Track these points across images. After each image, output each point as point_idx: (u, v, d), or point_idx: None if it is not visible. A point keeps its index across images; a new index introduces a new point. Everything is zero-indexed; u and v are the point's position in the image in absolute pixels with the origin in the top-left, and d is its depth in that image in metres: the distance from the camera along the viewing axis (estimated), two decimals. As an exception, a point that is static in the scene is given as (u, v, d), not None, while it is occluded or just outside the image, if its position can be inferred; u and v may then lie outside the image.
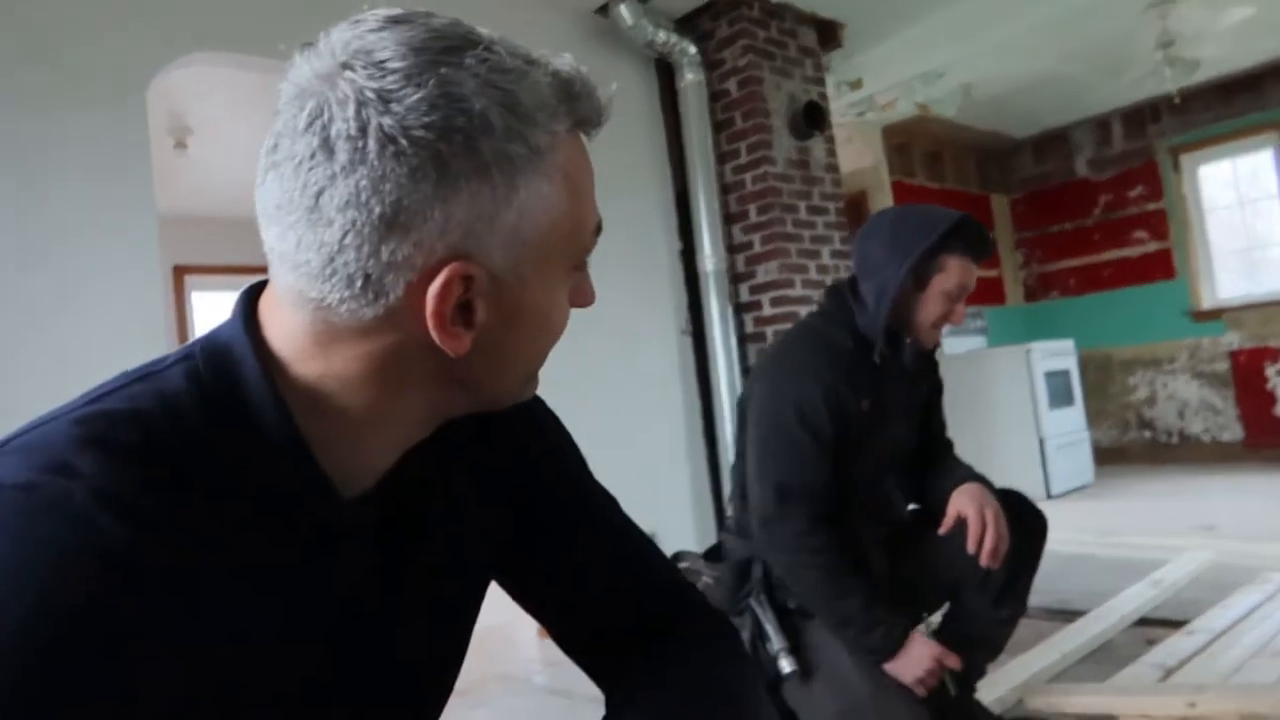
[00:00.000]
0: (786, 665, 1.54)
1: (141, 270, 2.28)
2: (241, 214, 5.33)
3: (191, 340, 0.55)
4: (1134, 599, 2.58)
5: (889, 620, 1.49)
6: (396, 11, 0.51)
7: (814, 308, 1.77)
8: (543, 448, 0.72)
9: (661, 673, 0.66)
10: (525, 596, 0.73)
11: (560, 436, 0.75)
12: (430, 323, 0.49)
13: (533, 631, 3.08)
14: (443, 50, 0.48)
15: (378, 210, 0.47)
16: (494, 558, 0.70)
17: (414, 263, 0.48)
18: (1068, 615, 2.49)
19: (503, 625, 2.89)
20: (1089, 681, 2.00)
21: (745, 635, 1.59)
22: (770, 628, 1.56)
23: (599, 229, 0.58)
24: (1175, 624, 2.32)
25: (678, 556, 1.96)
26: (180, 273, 5.29)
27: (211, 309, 5.63)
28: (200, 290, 5.54)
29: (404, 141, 0.46)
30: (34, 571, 0.41)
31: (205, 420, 0.50)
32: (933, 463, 1.74)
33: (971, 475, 1.65)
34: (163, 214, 2.42)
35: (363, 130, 0.46)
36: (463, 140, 0.47)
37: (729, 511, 1.77)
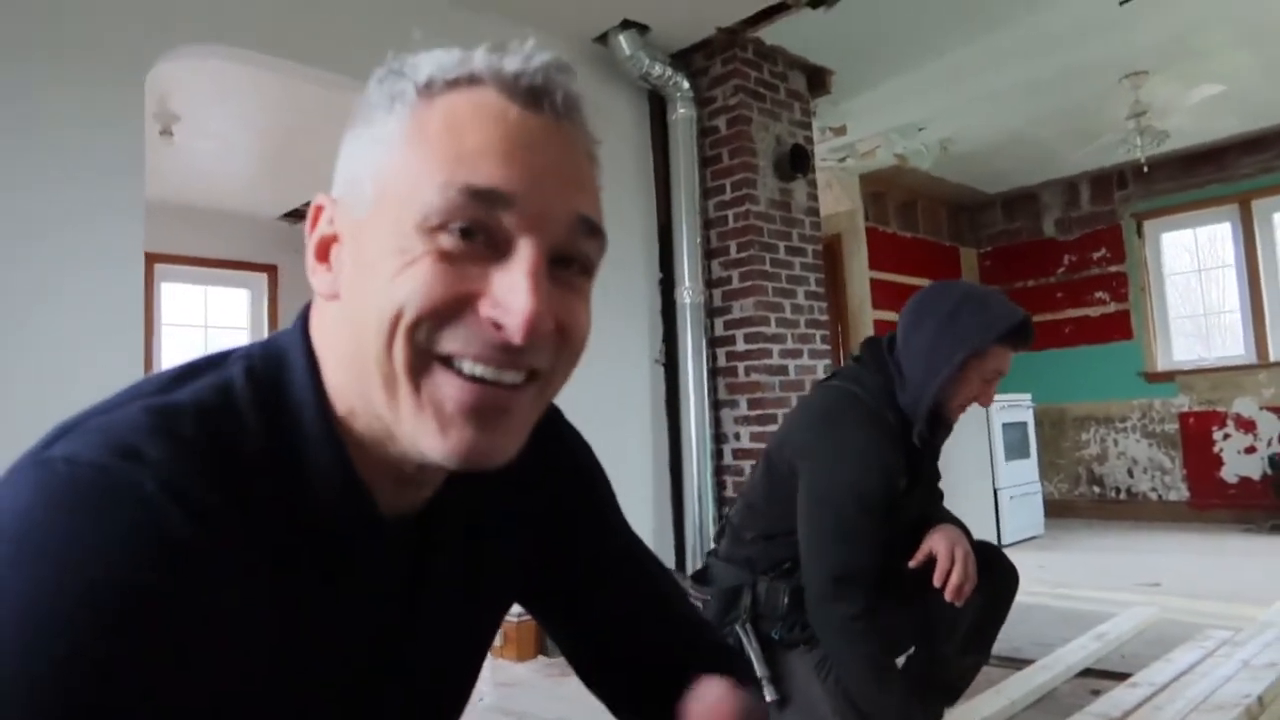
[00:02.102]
0: (768, 694, 1.57)
1: (124, 261, 2.27)
2: (218, 205, 5.34)
3: (257, 340, 0.57)
4: (1080, 650, 2.65)
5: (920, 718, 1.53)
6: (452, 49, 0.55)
7: (848, 363, 1.72)
8: (578, 481, 0.72)
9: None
10: (549, 624, 0.74)
11: (594, 471, 0.75)
12: (307, 258, 0.55)
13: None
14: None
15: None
16: (520, 585, 0.70)
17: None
18: (1017, 663, 2.54)
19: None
20: (1035, 729, 2.05)
21: None
22: (754, 656, 1.59)
23: (477, 193, 0.49)
24: (1119, 676, 2.39)
25: None
26: (151, 261, 5.21)
27: (179, 300, 5.55)
28: (169, 281, 5.46)
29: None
30: (102, 548, 0.42)
31: (258, 423, 0.51)
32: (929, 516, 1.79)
33: (950, 519, 1.70)
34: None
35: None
36: (362, 103, 0.54)
37: (721, 539, 1.79)
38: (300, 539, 0.52)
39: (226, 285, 5.79)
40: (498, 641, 3.10)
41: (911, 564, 1.60)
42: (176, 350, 5.39)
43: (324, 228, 0.55)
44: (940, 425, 1.66)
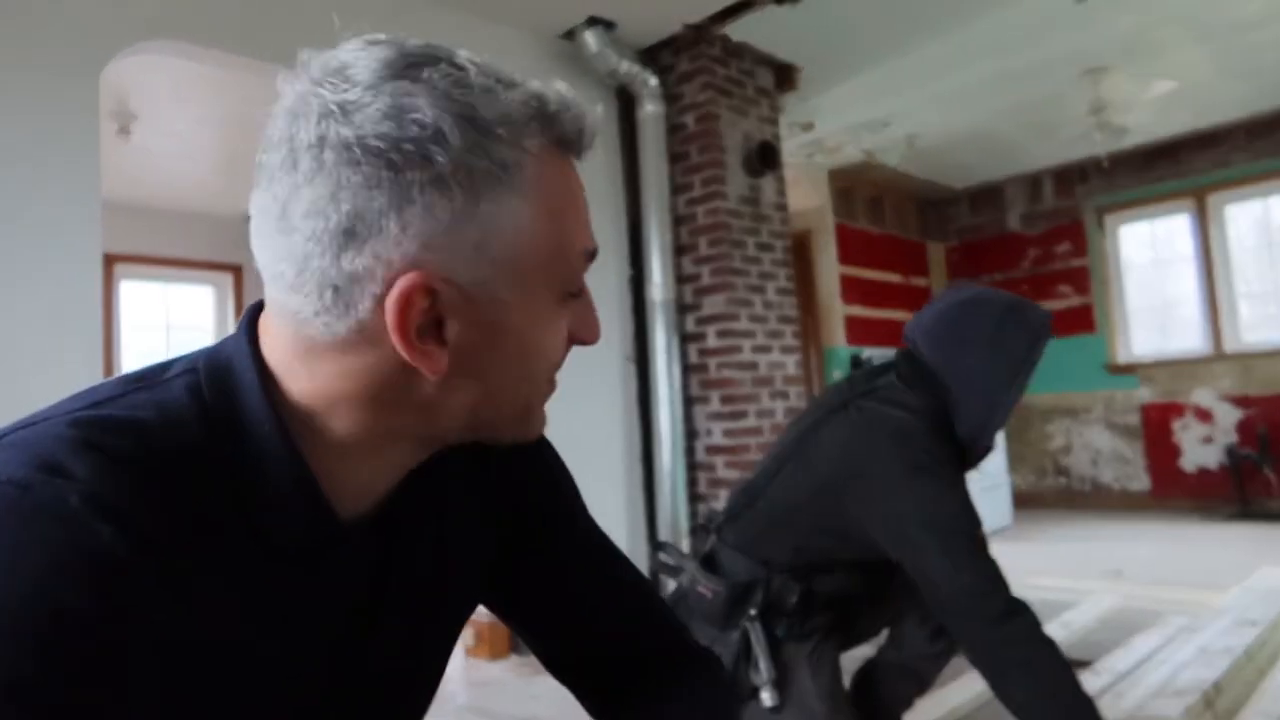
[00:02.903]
0: (769, 699, 1.55)
1: (80, 260, 2.22)
2: (178, 205, 5.26)
3: (196, 350, 0.56)
4: (1046, 639, 2.69)
5: None
6: (378, 35, 0.52)
7: (885, 378, 1.61)
8: (538, 477, 0.72)
9: (648, 700, 0.68)
10: (511, 619, 0.74)
11: (557, 468, 0.75)
12: (394, 337, 0.49)
13: (459, 650, 3.05)
14: (406, 65, 0.49)
15: (334, 219, 0.47)
16: (483, 581, 0.70)
17: (375, 274, 0.48)
18: (984, 652, 2.58)
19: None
20: (1003, 717, 2.08)
21: (730, 654, 1.59)
22: (762, 656, 1.56)
23: (592, 255, 0.57)
24: (1083, 664, 2.43)
25: (660, 546, 1.93)
26: (110, 261, 5.11)
27: (140, 301, 5.45)
28: (129, 280, 5.36)
29: (358, 151, 0.47)
30: (26, 570, 0.41)
31: (203, 435, 0.50)
32: None
33: None
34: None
35: (322, 140, 0.47)
36: (415, 150, 0.47)
37: (732, 526, 1.71)
38: (255, 549, 0.51)
39: (190, 284, 5.70)
40: (471, 641, 3.09)
41: None
42: (139, 351, 5.30)
43: (429, 308, 0.50)
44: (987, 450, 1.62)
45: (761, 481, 1.68)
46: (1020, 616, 1.38)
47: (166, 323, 5.61)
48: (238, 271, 5.74)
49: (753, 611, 1.60)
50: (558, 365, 0.58)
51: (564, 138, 0.54)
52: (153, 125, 3.96)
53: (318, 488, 0.53)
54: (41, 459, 0.44)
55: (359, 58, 0.49)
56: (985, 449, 1.59)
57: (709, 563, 1.69)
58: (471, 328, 0.51)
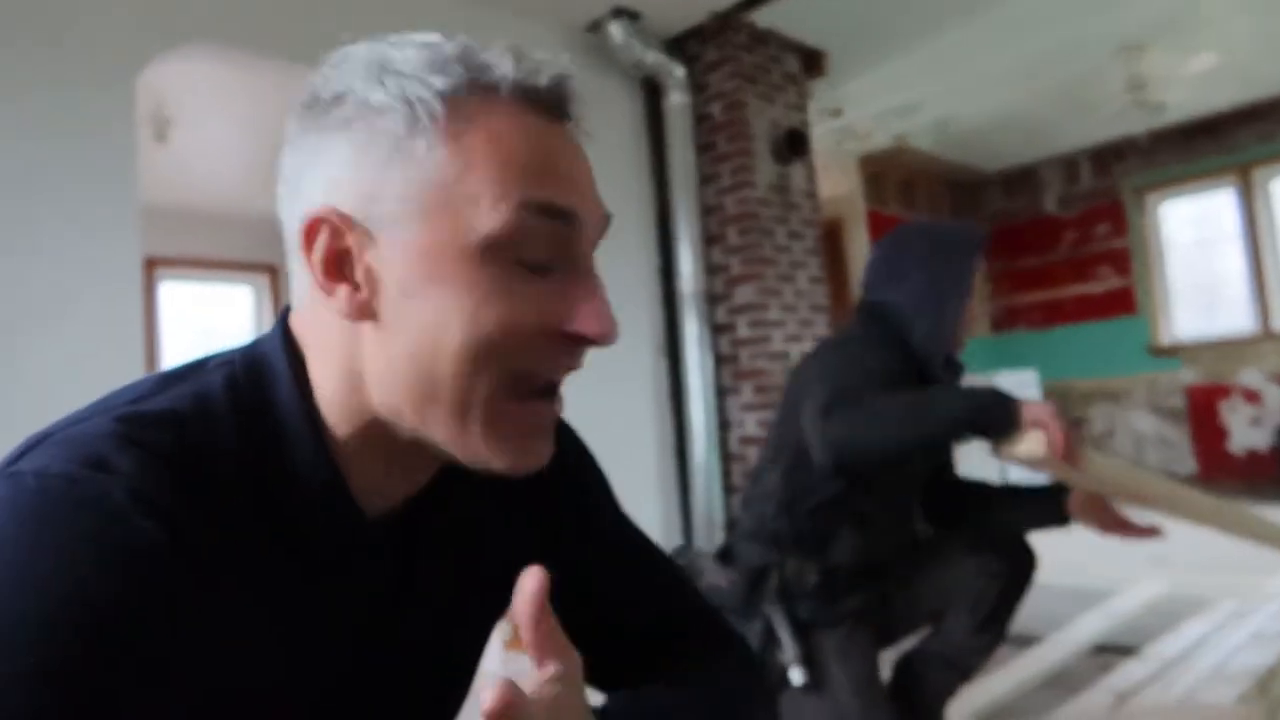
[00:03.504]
0: (797, 676, 1.55)
1: (120, 265, 2.27)
2: (215, 208, 5.34)
3: (236, 346, 0.57)
4: (1090, 626, 2.65)
5: (980, 388, 1.41)
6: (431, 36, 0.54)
7: (847, 331, 1.68)
8: (569, 478, 0.71)
9: (670, 679, 0.67)
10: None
11: (589, 468, 0.74)
12: (308, 272, 0.51)
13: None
14: (369, 40, 0.53)
15: (285, 175, 0.54)
16: (513, 581, 0.70)
17: (303, 220, 0.51)
18: (1026, 641, 2.55)
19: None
20: (1046, 707, 2.05)
21: (755, 643, 1.59)
22: (785, 636, 1.57)
23: (553, 212, 0.50)
24: (1129, 651, 2.39)
25: (679, 551, 1.95)
26: (151, 265, 5.22)
27: (180, 302, 5.56)
28: (169, 281, 5.47)
29: (294, 114, 0.53)
30: (72, 561, 0.42)
31: (238, 430, 0.51)
32: (949, 484, 1.79)
33: (977, 488, 1.75)
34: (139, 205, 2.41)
35: (293, 114, 0.54)
36: (331, 100, 0.51)
37: (743, 516, 1.73)
38: (282, 546, 0.51)
39: (228, 285, 5.80)
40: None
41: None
42: (179, 352, 5.40)
43: (331, 243, 0.51)
44: (953, 366, 1.65)
45: (761, 465, 1.71)
46: (846, 410, 1.40)
47: (206, 324, 5.72)
48: (274, 272, 5.83)
49: (773, 596, 1.60)
50: (506, 351, 0.50)
51: (494, 82, 0.51)
52: (189, 129, 4.03)
53: (344, 484, 0.53)
54: (87, 454, 0.45)
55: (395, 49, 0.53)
56: (946, 361, 1.62)
57: (725, 556, 1.71)
58: (382, 267, 0.50)
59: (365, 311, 0.50)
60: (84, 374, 2.11)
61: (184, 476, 0.47)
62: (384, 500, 0.56)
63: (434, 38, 0.52)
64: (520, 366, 0.51)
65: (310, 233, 0.51)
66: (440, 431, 0.51)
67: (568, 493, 0.71)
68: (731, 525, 1.81)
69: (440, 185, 0.49)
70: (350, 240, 0.50)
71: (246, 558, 0.49)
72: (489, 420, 0.50)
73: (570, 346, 0.52)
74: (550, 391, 0.54)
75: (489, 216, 0.49)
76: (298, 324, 0.55)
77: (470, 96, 0.50)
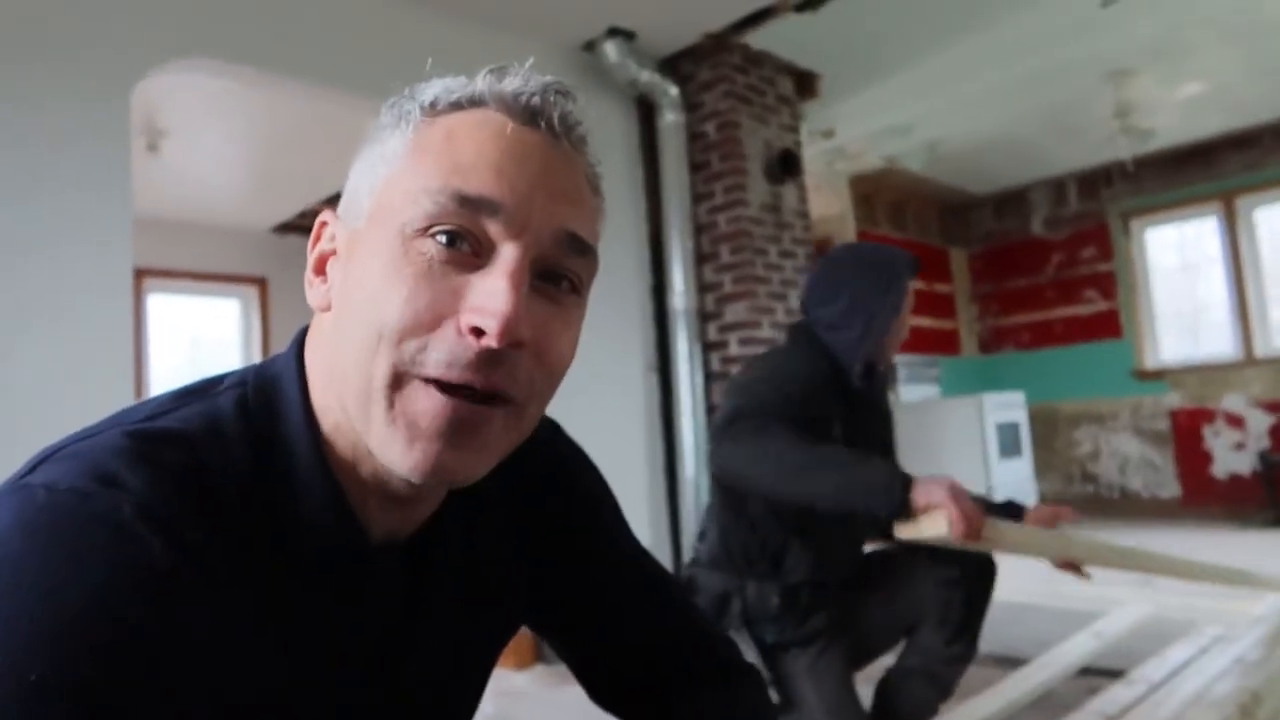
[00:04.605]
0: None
1: (113, 275, 2.26)
2: (205, 219, 5.34)
3: (251, 365, 0.57)
4: (1076, 649, 2.65)
5: (879, 462, 1.40)
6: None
7: (775, 346, 1.81)
8: (579, 501, 0.71)
9: (688, 712, 0.67)
10: (558, 644, 0.74)
11: (599, 491, 0.74)
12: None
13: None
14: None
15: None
16: (523, 607, 0.70)
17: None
18: (1013, 663, 2.55)
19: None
20: (1033, 728, 2.06)
21: None
22: (753, 660, 1.59)
23: (465, 200, 0.49)
24: (1115, 674, 2.39)
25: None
26: (140, 276, 5.20)
27: (167, 313, 5.53)
28: (157, 293, 5.44)
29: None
30: (83, 577, 0.42)
31: (247, 451, 0.51)
32: None
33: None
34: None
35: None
36: (373, 127, 0.56)
37: (700, 546, 1.78)
38: (288, 568, 0.51)
39: (217, 297, 5.78)
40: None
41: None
42: (166, 364, 5.37)
43: (324, 244, 0.56)
44: (875, 375, 1.72)
45: (712, 493, 1.76)
46: (742, 423, 1.45)
47: (193, 336, 5.69)
48: (263, 284, 5.81)
49: (737, 621, 1.62)
50: (381, 329, 0.48)
51: (478, 94, 0.53)
52: (181, 141, 4.02)
53: (350, 508, 0.53)
54: (98, 470, 0.46)
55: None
56: (867, 370, 1.69)
57: (688, 587, 1.74)
58: (340, 262, 0.54)
59: (325, 302, 0.55)
60: (75, 383, 2.10)
61: (193, 495, 0.47)
62: (391, 522, 0.56)
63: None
64: (415, 358, 0.48)
65: (315, 235, 0.56)
66: (359, 426, 0.50)
67: (580, 519, 0.71)
68: (693, 559, 1.82)
69: (389, 178, 0.52)
70: (336, 240, 0.55)
71: (254, 580, 0.50)
72: (386, 408, 0.49)
73: (469, 341, 0.48)
74: (449, 389, 0.48)
75: (412, 204, 0.49)
76: (309, 342, 0.57)
77: (453, 108, 0.53)
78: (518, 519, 0.67)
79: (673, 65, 3.62)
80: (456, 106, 0.53)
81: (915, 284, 1.70)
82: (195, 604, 0.46)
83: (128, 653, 0.42)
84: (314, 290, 0.55)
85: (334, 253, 0.55)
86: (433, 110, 0.53)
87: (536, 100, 0.52)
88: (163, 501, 0.46)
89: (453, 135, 0.51)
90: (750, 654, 1.60)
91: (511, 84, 0.53)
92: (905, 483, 1.32)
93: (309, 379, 0.54)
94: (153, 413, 0.52)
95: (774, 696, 1.58)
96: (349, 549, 0.54)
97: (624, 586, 0.72)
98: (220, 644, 0.47)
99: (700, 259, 3.58)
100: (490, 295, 0.48)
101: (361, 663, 0.56)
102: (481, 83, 0.53)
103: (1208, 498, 5.49)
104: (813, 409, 1.55)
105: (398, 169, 0.52)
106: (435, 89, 0.54)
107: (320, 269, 0.56)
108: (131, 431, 0.49)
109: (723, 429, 1.46)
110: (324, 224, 0.56)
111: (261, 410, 0.53)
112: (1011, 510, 1.68)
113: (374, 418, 0.49)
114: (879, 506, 1.32)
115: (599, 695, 0.74)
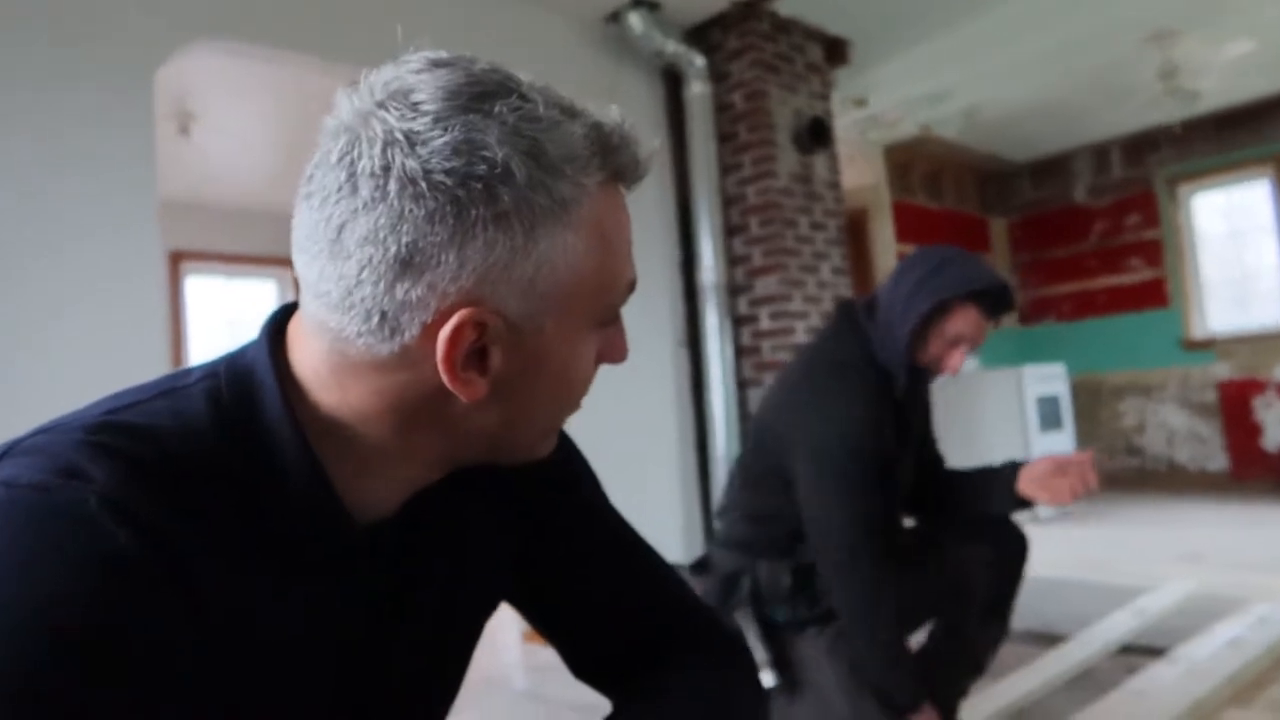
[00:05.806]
0: (769, 679, 1.56)
1: (142, 259, 2.28)
2: (241, 203, 5.39)
3: (219, 356, 0.56)
4: (1117, 626, 2.60)
5: (916, 684, 1.53)
6: (441, 55, 0.51)
7: (822, 326, 1.74)
8: (558, 476, 0.71)
9: (666, 682, 0.67)
10: (538, 621, 0.73)
11: (577, 464, 0.74)
12: (441, 366, 0.49)
13: (517, 635, 3.07)
14: (475, 96, 0.48)
15: (393, 249, 0.47)
16: (505, 584, 0.70)
17: (428, 304, 0.48)
18: (1051, 640, 2.50)
19: (488, 629, 2.88)
20: (1070, 708, 2.01)
21: None
22: (755, 639, 1.58)
23: (632, 285, 0.57)
24: (1157, 652, 2.34)
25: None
26: (176, 259, 5.28)
27: (206, 296, 5.62)
28: (195, 275, 5.53)
29: (423, 184, 0.47)
30: (47, 572, 0.42)
31: (221, 442, 0.51)
32: (936, 479, 1.77)
33: (967, 478, 1.70)
34: (163, 199, 2.42)
35: (386, 169, 0.47)
36: (482, 188, 0.47)
37: (718, 525, 1.77)
38: (268, 556, 0.51)
39: (253, 279, 5.85)
40: (527, 627, 3.11)
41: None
42: (205, 345, 5.46)
43: (475, 339, 0.50)
44: (920, 378, 1.65)
45: (734, 475, 1.74)
46: (863, 563, 1.50)
47: (231, 317, 5.77)
48: (297, 265, 5.87)
49: (745, 601, 1.62)
50: (586, 390, 0.59)
51: (620, 171, 0.54)
52: (212, 124, 4.06)
53: (334, 495, 0.53)
54: (59, 463, 0.45)
55: (425, 82, 0.49)
56: (921, 380, 1.65)
57: (702, 565, 1.74)
58: (513, 358, 0.52)
59: (480, 391, 0.52)
60: (108, 366, 2.13)
61: (162, 486, 0.47)
62: (374, 510, 0.56)
63: (562, 101, 0.52)
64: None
65: (459, 331, 0.49)
66: (512, 455, 0.59)
67: (559, 493, 0.71)
68: (713, 538, 1.82)
69: (576, 277, 0.52)
70: (491, 335, 0.50)
71: (233, 568, 0.49)
72: (555, 435, 0.62)
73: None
74: None
75: (611, 301, 0.56)
76: (316, 349, 0.53)
77: (604, 189, 0.53)
78: (499, 496, 0.67)
79: (699, 34, 3.56)
80: (611, 179, 0.54)
81: (973, 313, 1.56)
82: (168, 594, 0.45)
83: (96, 648, 0.41)
84: (471, 385, 0.51)
85: (485, 348, 0.51)
86: (592, 197, 0.52)
87: (646, 169, 0.56)
88: (129, 493, 0.45)
89: (618, 220, 0.55)
90: (753, 634, 1.59)
91: (636, 156, 0.54)
92: (912, 700, 1.49)
93: (302, 382, 0.53)
94: (116, 407, 0.51)
95: (775, 678, 1.56)
96: (334, 533, 0.54)
97: (604, 559, 0.72)
98: (196, 634, 0.46)
99: (729, 232, 3.53)
100: (623, 345, 0.61)
101: (346, 645, 0.56)
102: (621, 158, 0.53)
103: (1258, 470, 5.34)
104: (881, 456, 1.55)
105: (582, 263, 0.52)
106: (580, 171, 0.51)
107: (471, 365, 0.51)
108: (93, 425, 0.48)
109: (843, 564, 1.51)
110: (465, 324, 0.49)
111: (236, 402, 0.52)
112: (1011, 468, 1.63)
113: (538, 445, 0.60)
114: (891, 706, 1.50)
115: (580, 669, 0.74)
